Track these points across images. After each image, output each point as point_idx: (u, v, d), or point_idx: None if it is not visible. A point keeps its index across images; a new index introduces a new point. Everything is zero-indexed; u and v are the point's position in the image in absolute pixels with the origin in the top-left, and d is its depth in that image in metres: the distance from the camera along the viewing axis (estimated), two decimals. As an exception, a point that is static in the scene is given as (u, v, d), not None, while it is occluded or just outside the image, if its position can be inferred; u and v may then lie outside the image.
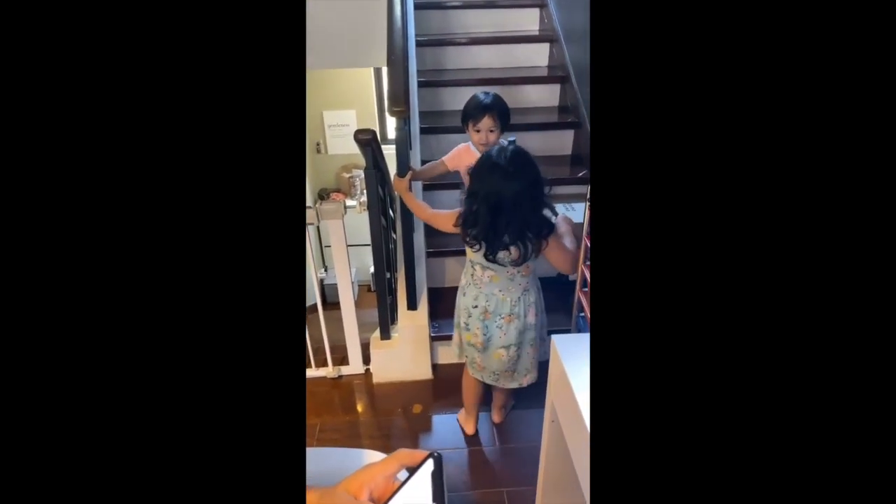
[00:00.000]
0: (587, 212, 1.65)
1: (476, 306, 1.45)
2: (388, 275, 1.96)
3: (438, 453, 0.42)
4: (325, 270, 3.76)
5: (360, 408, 1.95)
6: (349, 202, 4.05)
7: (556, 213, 1.38)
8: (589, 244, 1.60)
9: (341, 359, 2.07)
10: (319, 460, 0.81)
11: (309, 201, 4.09)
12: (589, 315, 1.66)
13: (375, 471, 0.46)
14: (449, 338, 1.70)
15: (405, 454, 0.45)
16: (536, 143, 2.33)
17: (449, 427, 1.82)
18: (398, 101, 1.62)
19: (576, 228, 1.49)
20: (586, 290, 1.69)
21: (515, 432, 1.77)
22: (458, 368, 1.69)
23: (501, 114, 1.60)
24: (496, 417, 1.78)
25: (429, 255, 2.10)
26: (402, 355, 1.99)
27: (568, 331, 1.85)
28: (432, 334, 1.99)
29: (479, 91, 1.69)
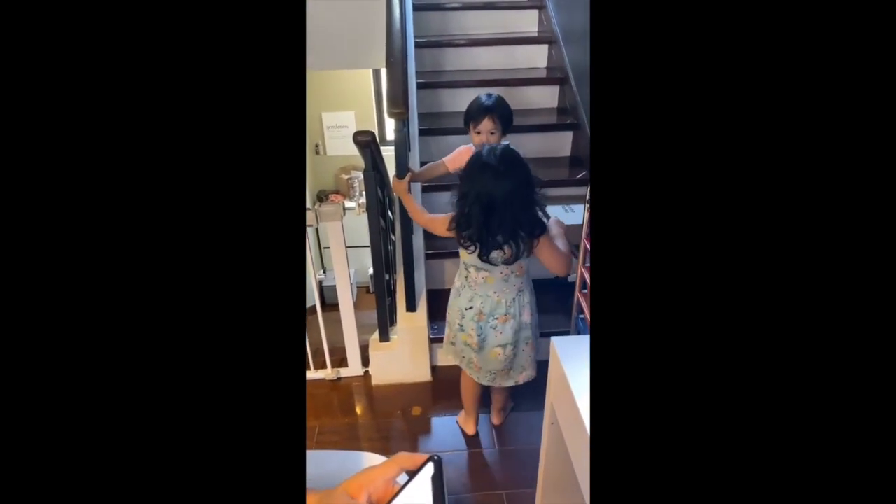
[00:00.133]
0: (586, 213, 1.65)
1: (470, 308, 1.45)
2: (387, 277, 1.96)
3: (438, 457, 0.42)
4: (324, 272, 3.76)
5: (359, 410, 1.95)
6: (348, 203, 4.05)
7: (548, 216, 1.38)
8: (588, 246, 1.60)
9: (340, 361, 2.07)
10: (319, 463, 0.81)
11: (308, 203, 4.09)
12: (588, 317, 1.66)
13: (375, 474, 0.46)
14: (448, 339, 1.70)
15: (405, 458, 0.45)
16: (535, 145, 2.33)
17: (448, 429, 1.82)
18: (397, 102, 1.63)
19: (568, 231, 1.49)
20: (586, 291, 1.69)
21: (515, 434, 1.77)
22: (457, 370, 1.69)
23: (503, 116, 1.60)
24: (495, 419, 1.78)
25: (428, 256, 2.10)
26: (401, 357, 1.99)
27: (567, 332, 1.85)
28: (431, 336, 1.99)
29: (477, 92, 1.69)
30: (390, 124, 3.30)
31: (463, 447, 1.74)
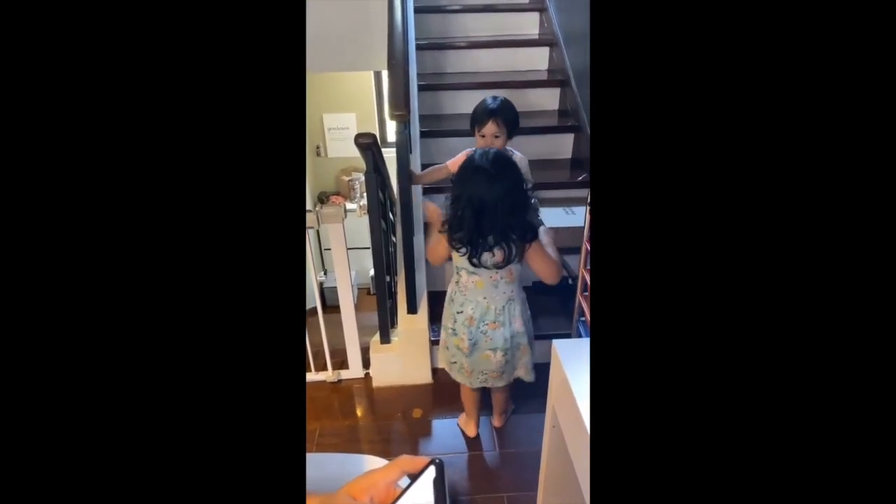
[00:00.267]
0: (587, 216, 1.65)
1: (461, 312, 1.46)
2: (388, 278, 1.96)
3: (440, 460, 0.42)
4: (325, 274, 3.76)
5: (359, 412, 1.95)
6: (349, 205, 4.05)
7: (541, 221, 1.38)
8: (589, 248, 1.60)
9: (341, 363, 2.07)
10: (320, 466, 0.81)
11: (309, 204, 4.09)
12: (589, 319, 1.66)
13: (377, 477, 0.46)
14: (448, 341, 1.70)
15: (407, 461, 0.45)
16: (536, 147, 2.34)
17: (449, 431, 1.81)
18: (399, 104, 1.63)
19: (569, 233, 1.50)
20: (587, 294, 1.69)
21: (516, 437, 1.77)
22: (458, 373, 1.69)
23: (507, 119, 1.59)
24: (496, 421, 1.78)
25: (429, 258, 2.10)
26: (402, 359, 1.98)
27: (568, 335, 1.85)
28: (432, 338, 1.98)
29: (478, 95, 1.69)
30: (391, 126, 3.30)
31: (464, 449, 1.74)
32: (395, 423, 1.87)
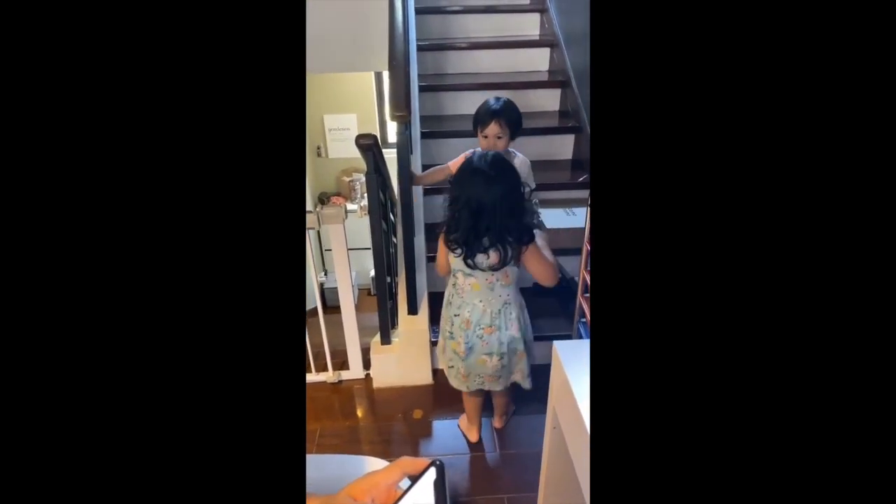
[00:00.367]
0: (588, 217, 1.65)
1: (457, 315, 1.45)
2: (388, 279, 1.96)
3: (441, 461, 0.42)
4: (326, 274, 3.76)
5: (360, 413, 1.94)
6: (350, 206, 4.05)
7: (541, 226, 1.38)
8: (590, 249, 1.60)
9: (341, 363, 2.07)
10: (320, 467, 0.81)
11: (309, 205, 4.09)
12: (590, 320, 1.65)
13: (378, 478, 0.46)
14: (449, 342, 1.70)
15: (407, 462, 0.45)
16: (537, 148, 2.34)
17: (450, 432, 1.81)
18: (400, 105, 1.63)
19: (569, 234, 1.50)
20: (588, 295, 1.69)
21: (517, 438, 1.77)
22: (459, 373, 1.68)
23: (510, 121, 1.59)
24: (497, 423, 1.77)
25: (429, 259, 2.10)
26: (403, 360, 1.98)
27: (569, 336, 1.85)
28: (433, 339, 1.98)
29: (479, 95, 1.69)
30: (392, 127, 3.30)
31: (465, 451, 1.74)
32: (396, 424, 1.87)
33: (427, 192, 2.20)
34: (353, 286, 1.97)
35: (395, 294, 2.06)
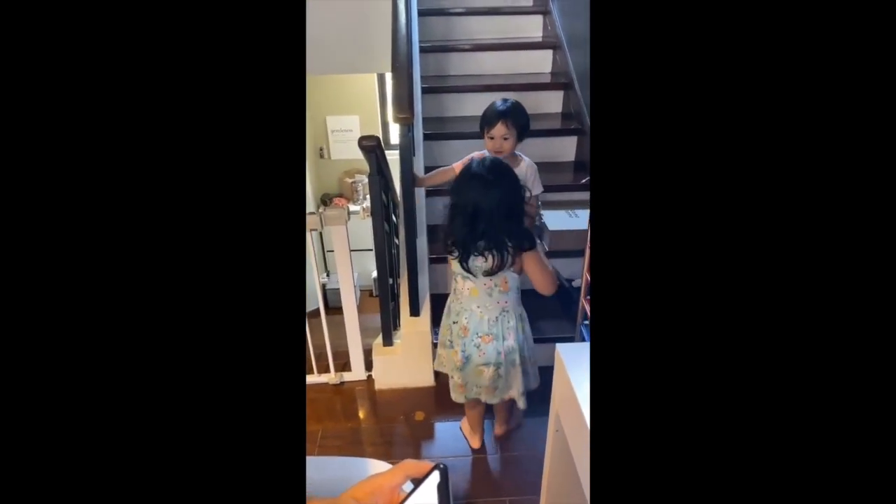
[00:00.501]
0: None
1: (456, 322, 1.45)
2: (390, 281, 1.96)
3: (444, 465, 0.42)
4: (328, 275, 3.76)
5: (362, 414, 1.94)
6: (352, 207, 4.05)
7: (542, 230, 1.37)
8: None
9: (343, 364, 2.07)
10: (322, 469, 0.81)
11: (312, 206, 4.10)
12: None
13: (381, 481, 0.45)
14: (451, 344, 1.70)
15: (411, 465, 0.45)
16: (540, 150, 2.33)
17: (451, 434, 1.81)
18: (402, 107, 1.63)
19: (572, 236, 1.49)
20: (590, 297, 1.68)
21: (519, 441, 1.76)
22: (461, 375, 1.68)
23: (517, 122, 1.58)
24: (498, 430, 1.75)
25: (431, 261, 2.10)
26: (405, 362, 1.98)
27: (572, 339, 1.84)
28: (434, 341, 1.98)
29: (482, 97, 1.69)
30: (394, 128, 3.30)
31: (466, 453, 1.73)
32: (398, 426, 1.87)
33: (429, 194, 2.20)
34: (355, 287, 1.97)
35: (398, 295, 2.06)
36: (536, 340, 1.52)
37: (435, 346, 1.97)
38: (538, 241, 1.37)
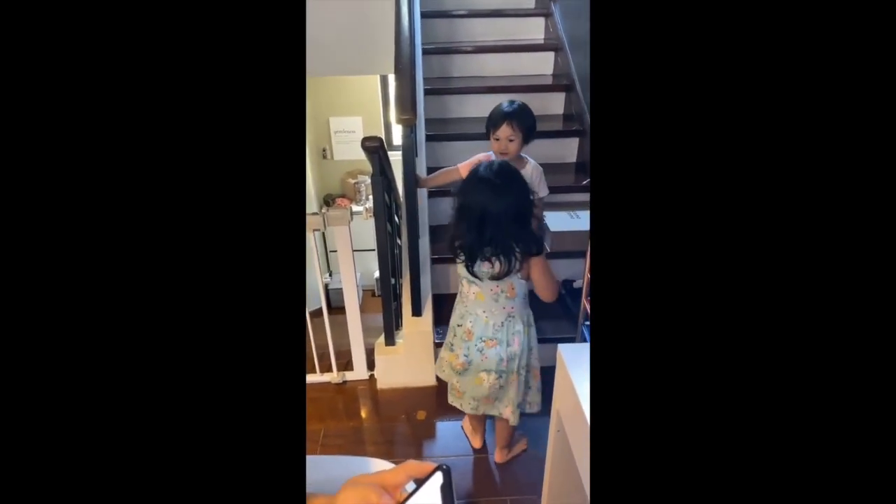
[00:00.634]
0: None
1: (460, 325, 1.43)
2: (392, 281, 1.96)
3: (447, 466, 0.41)
4: (330, 275, 3.77)
5: (364, 413, 1.94)
6: (355, 208, 4.05)
7: (546, 227, 1.35)
8: (594, 252, 1.59)
9: (346, 364, 2.07)
10: (324, 468, 0.81)
11: (315, 207, 4.10)
12: (594, 323, 1.64)
13: (382, 478, 0.45)
14: (453, 344, 1.69)
15: (413, 465, 0.44)
16: (542, 151, 2.33)
17: (453, 434, 1.81)
18: (405, 108, 1.63)
19: (573, 237, 1.47)
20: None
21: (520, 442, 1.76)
22: (463, 375, 1.68)
23: (523, 123, 1.57)
24: (498, 456, 1.67)
25: (433, 261, 2.10)
26: (407, 361, 1.98)
27: (573, 339, 1.84)
28: (436, 341, 1.98)
29: (484, 99, 1.68)
30: (397, 129, 3.30)
31: (468, 452, 1.73)
32: (400, 425, 1.87)
33: (432, 195, 2.20)
34: (357, 287, 1.97)
35: (400, 295, 2.06)
36: (538, 341, 1.51)
37: (437, 345, 1.97)
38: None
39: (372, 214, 1.83)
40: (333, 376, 2.03)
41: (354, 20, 2.53)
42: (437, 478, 0.41)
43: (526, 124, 1.58)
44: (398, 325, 2.03)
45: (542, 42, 2.82)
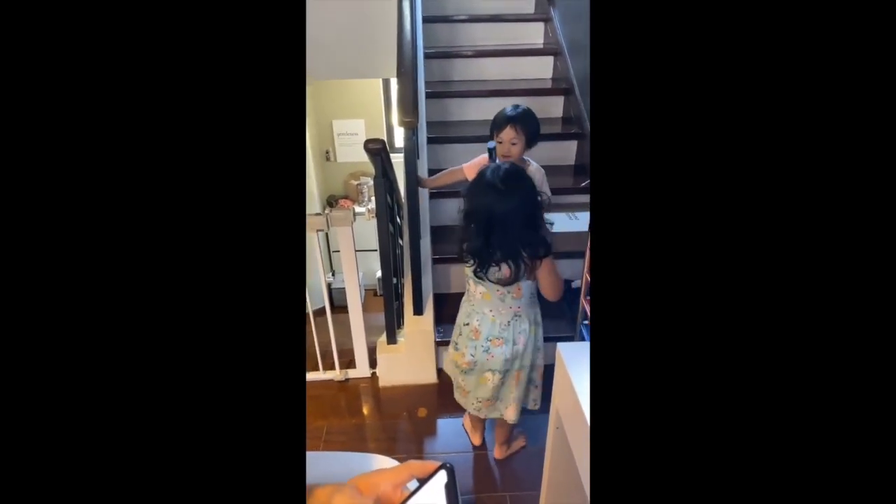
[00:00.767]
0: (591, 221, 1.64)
1: (467, 324, 1.42)
2: (394, 280, 1.96)
3: (451, 464, 0.41)
4: (333, 275, 3.76)
5: (366, 411, 1.94)
6: (357, 209, 4.05)
7: (552, 223, 1.33)
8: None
9: (348, 362, 2.06)
10: (327, 464, 0.80)
11: (318, 208, 4.10)
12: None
13: (386, 477, 0.45)
14: (454, 343, 1.69)
15: (416, 465, 0.44)
16: (541, 154, 2.33)
17: (453, 430, 1.81)
18: (407, 111, 1.63)
19: (572, 238, 1.46)
20: (590, 298, 1.68)
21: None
22: (463, 373, 1.67)
23: (526, 127, 1.57)
24: (497, 453, 1.68)
25: (435, 261, 2.10)
26: (408, 360, 1.98)
27: (572, 338, 1.83)
28: (437, 339, 1.98)
29: (485, 102, 1.68)
30: (399, 132, 3.31)
31: (468, 449, 1.73)
32: (401, 422, 1.87)
33: (433, 196, 2.20)
34: (360, 287, 1.97)
35: (401, 295, 2.06)
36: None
37: (438, 344, 1.97)
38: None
39: (374, 215, 1.83)
40: (336, 374, 2.03)
41: (358, 25, 2.53)
42: (441, 476, 0.41)
43: (529, 129, 1.58)
44: (400, 324, 2.03)
45: (541, 46, 2.82)
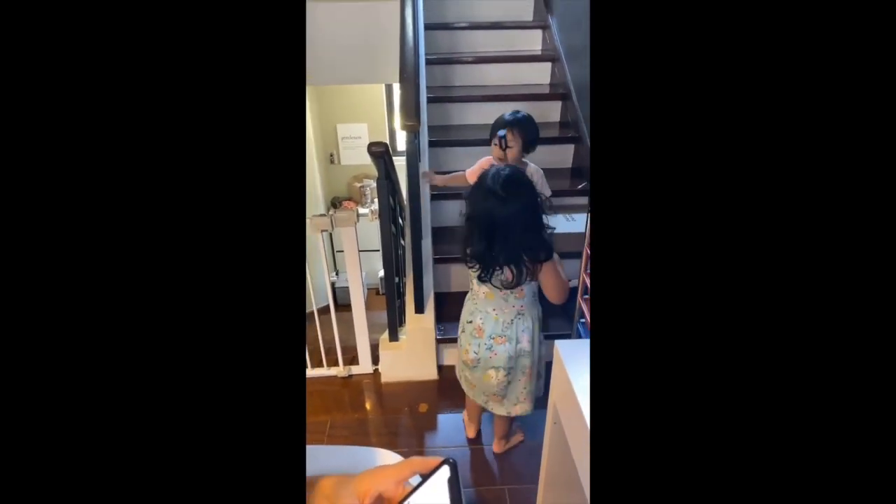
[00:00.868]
0: (588, 222, 1.64)
1: (470, 322, 1.42)
2: (396, 280, 1.96)
3: (453, 460, 0.41)
4: (337, 274, 3.76)
5: (368, 406, 1.94)
6: (361, 210, 4.05)
7: (553, 227, 1.31)
8: (590, 253, 1.58)
9: (351, 359, 2.06)
10: (331, 457, 0.80)
11: (322, 209, 4.10)
12: (589, 321, 1.64)
13: (389, 472, 0.45)
14: (454, 340, 1.69)
15: (419, 461, 0.44)
16: (539, 157, 2.32)
17: (453, 425, 1.80)
18: (410, 115, 1.63)
19: (569, 239, 1.46)
20: (587, 297, 1.68)
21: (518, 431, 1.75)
22: (463, 370, 1.67)
23: (523, 131, 1.57)
24: (496, 447, 1.67)
25: (436, 261, 2.10)
26: (410, 356, 1.98)
27: (569, 336, 1.83)
28: (438, 337, 1.98)
29: (485, 107, 1.68)
30: (401, 136, 3.30)
31: (468, 443, 1.73)
32: (402, 417, 1.87)
33: (434, 198, 2.20)
34: (363, 286, 1.97)
35: (403, 294, 2.06)
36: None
37: (438, 341, 1.97)
38: (555, 256, 1.31)
39: (377, 216, 1.82)
40: (340, 370, 2.03)
41: (361, 32, 2.53)
42: (444, 471, 0.40)
43: (526, 134, 1.58)
44: (401, 322, 2.02)
45: (539, 53, 2.82)
